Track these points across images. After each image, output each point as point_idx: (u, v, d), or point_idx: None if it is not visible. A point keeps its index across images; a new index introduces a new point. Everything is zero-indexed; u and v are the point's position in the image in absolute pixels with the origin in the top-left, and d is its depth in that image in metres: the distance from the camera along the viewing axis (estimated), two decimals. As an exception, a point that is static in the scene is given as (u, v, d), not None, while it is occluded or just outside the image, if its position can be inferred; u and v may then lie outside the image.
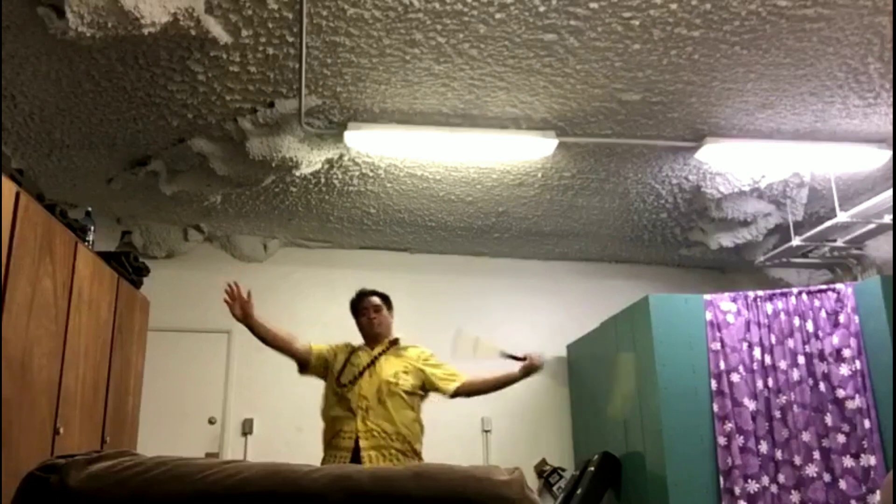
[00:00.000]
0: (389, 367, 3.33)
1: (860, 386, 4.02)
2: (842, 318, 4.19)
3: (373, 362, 3.33)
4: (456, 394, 3.37)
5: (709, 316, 4.39)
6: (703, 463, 4.13)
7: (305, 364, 3.40)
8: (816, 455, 4.05)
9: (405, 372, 3.33)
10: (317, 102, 3.70)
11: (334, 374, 3.34)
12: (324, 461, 3.21)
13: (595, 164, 4.49)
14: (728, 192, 4.79)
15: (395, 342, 3.45)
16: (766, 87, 3.62)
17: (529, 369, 3.33)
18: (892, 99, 3.72)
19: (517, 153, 4.21)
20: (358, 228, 5.61)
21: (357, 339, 3.51)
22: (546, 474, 5.69)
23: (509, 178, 4.68)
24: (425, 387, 3.37)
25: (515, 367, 3.33)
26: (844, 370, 4.08)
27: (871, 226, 4.76)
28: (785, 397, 4.18)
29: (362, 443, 3.16)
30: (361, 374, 3.29)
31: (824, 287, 4.34)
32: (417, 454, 3.27)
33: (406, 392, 3.28)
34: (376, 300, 3.49)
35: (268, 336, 3.31)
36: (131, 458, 1.33)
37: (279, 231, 5.70)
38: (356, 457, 3.13)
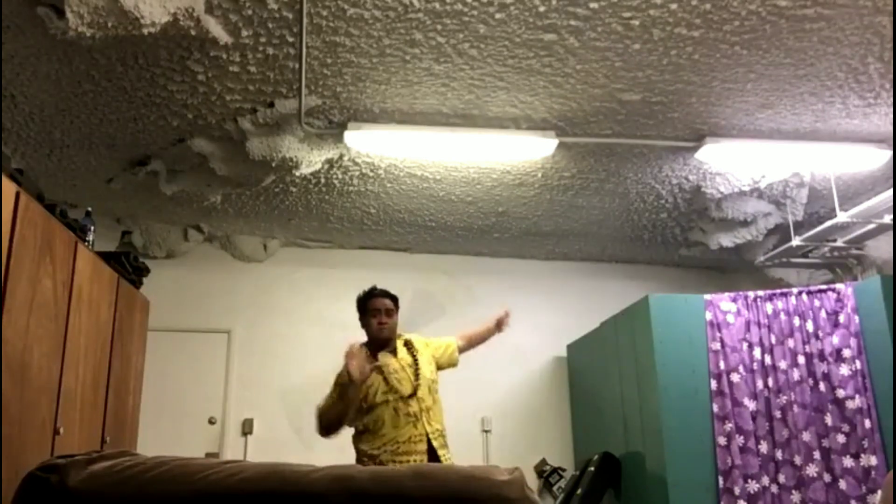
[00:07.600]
0: (425, 365, 3.32)
1: (860, 386, 4.02)
2: (842, 318, 4.18)
3: (416, 364, 3.30)
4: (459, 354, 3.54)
5: (709, 316, 4.39)
6: (702, 463, 4.13)
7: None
8: (816, 455, 4.05)
9: (430, 365, 3.36)
10: (317, 102, 3.70)
11: (382, 393, 3.18)
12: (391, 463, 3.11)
13: (595, 164, 4.49)
14: (728, 192, 4.79)
15: (407, 342, 3.40)
16: (766, 87, 3.62)
17: (501, 321, 3.63)
18: (892, 99, 3.72)
19: (517, 153, 4.21)
20: (358, 228, 5.61)
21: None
22: (546, 474, 5.69)
23: (509, 178, 4.68)
24: (439, 368, 3.43)
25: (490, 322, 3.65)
26: (844, 370, 4.08)
27: (871, 226, 4.76)
28: (785, 397, 4.18)
29: (434, 443, 3.17)
30: (417, 378, 3.25)
31: (824, 287, 4.34)
32: None
33: (436, 385, 3.36)
34: (389, 303, 3.35)
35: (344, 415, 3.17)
36: (131, 458, 1.33)
37: (279, 231, 5.69)
38: (434, 458, 3.14)
